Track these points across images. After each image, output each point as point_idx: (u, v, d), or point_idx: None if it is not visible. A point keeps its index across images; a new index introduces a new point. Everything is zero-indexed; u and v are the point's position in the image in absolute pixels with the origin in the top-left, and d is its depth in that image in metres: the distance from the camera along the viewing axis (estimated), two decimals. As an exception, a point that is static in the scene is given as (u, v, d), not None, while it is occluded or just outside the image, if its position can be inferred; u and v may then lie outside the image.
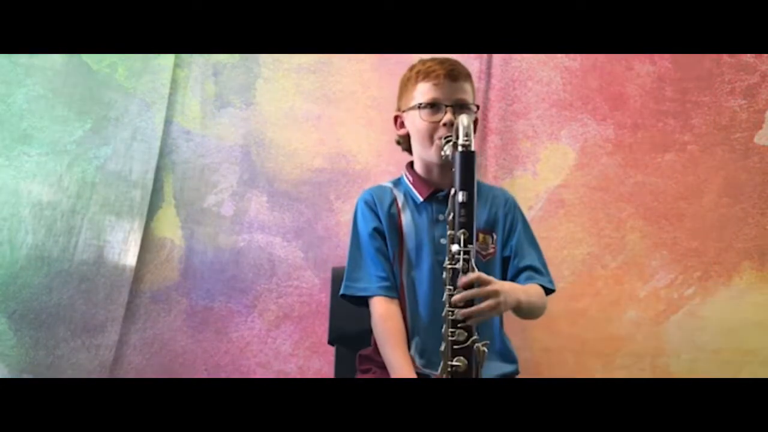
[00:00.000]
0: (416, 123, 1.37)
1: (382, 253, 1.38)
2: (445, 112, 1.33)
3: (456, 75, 1.36)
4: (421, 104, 1.36)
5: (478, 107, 1.41)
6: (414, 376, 1.25)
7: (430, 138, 1.35)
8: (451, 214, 1.18)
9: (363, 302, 1.37)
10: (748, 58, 1.93)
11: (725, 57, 1.94)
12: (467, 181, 1.17)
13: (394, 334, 1.31)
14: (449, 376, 1.15)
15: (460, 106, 1.34)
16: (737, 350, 1.85)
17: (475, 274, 1.15)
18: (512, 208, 1.44)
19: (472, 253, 1.16)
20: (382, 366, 1.32)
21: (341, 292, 1.39)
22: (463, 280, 1.15)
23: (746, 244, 1.88)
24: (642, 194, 1.94)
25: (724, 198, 1.91)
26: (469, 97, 1.38)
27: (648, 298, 1.91)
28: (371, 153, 2.03)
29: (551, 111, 2.00)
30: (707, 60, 1.95)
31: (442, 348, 1.17)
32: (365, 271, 1.37)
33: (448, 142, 1.27)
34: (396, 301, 1.35)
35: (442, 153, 1.30)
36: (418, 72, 1.39)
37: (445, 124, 1.32)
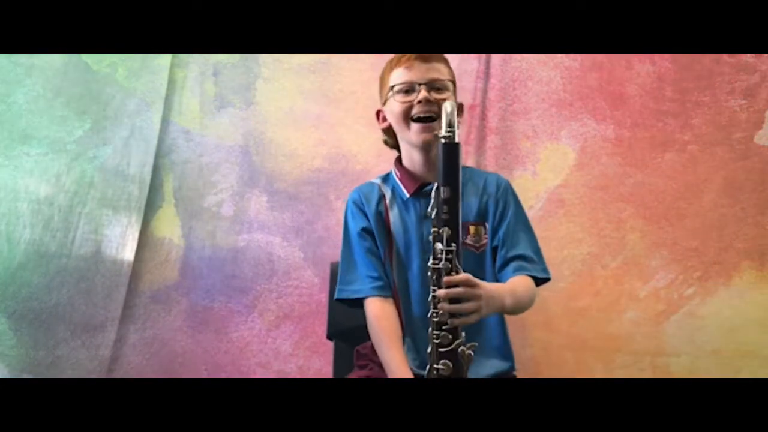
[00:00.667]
0: (393, 108, 1.36)
1: (373, 253, 1.37)
2: (419, 92, 1.32)
3: (427, 56, 1.36)
4: (394, 86, 1.35)
5: (454, 84, 1.39)
6: (410, 375, 1.25)
7: (407, 119, 1.34)
8: (435, 211, 1.14)
9: (358, 304, 1.36)
10: (748, 58, 1.93)
11: (725, 57, 1.94)
12: (451, 176, 1.13)
13: (389, 333, 1.29)
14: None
15: (437, 89, 1.34)
16: (737, 350, 1.85)
17: (462, 276, 1.12)
18: (504, 194, 1.39)
19: (458, 252, 1.13)
20: (380, 362, 1.31)
21: (336, 296, 1.38)
22: (449, 279, 1.11)
23: (746, 244, 1.88)
24: (642, 194, 1.94)
25: (724, 198, 1.91)
26: (443, 76, 1.36)
27: (648, 298, 1.91)
28: (371, 153, 2.03)
29: (551, 111, 2.00)
30: (707, 60, 1.95)
31: (429, 350, 1.15)
32: (357, 272, 1.36)
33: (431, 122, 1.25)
34: (390, 300, 1.34)
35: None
36: (390, 61, 1.40)
37: (420, 102, 1.31)
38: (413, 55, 1.35)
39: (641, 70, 1.99)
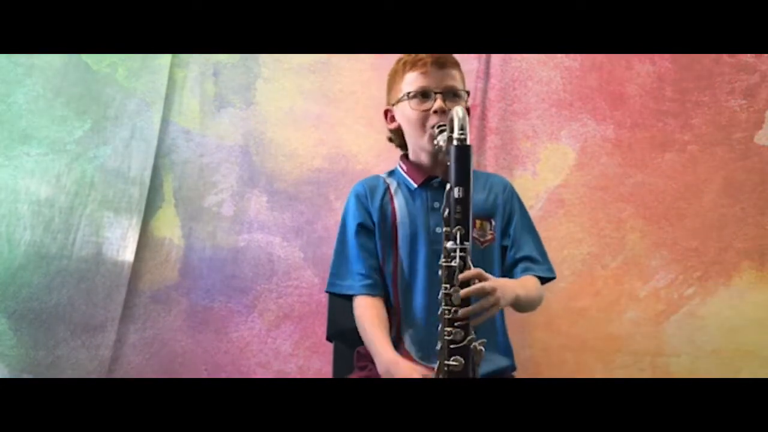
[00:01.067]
0: (407, 113, 1.36)
1: (367, 250, 1.38)
2: (435, 100, 1.32)
3: (443, 62, 1.35)
4: (409, 93, 1.35)
5: (468, 93, 1.39)
6: (394, 355, 1.25)
7: (422, 127, 1.34)
8: (447, 210, 1.17)
9: (348, 297, 1.38)
10: (748, 58, 1.93)
11: (725, 57, 1.94)
12: (463, 176, 1.15)
13: (371, 318, 1.31)
14: (446, 376, 1.14)
15: (452, 94, 1.34)
16: (737, 350, 1.85)
17: (474, 271, 1.14)
18: (510, 195, 1.42)
19: (469, 251, 1.14)
20: None
21: (326, 288, 1.41)
22: (464, 276, 1.13)
23: (746, 244, 1.88)
24: (642, 194, 1.94)
25: (724, 198, 1.91)
26: (458, 84, 1.36)
27: (648, 298, 1.91)
28: (371, 153, 2.03)
29: (551, 111, 2.00)
30: (707, 60, 1.95)
31: (439, 347, 1.15)
32: (349, 268, 1.38)
33: (441, 131, 1.26)
34: (379, 299, 1.36)
35: (435, 143, 1.29)
36: (404, 63, 1.38)
37: (435, 112, 1.31)
38: (428, 59, 1.34)
39: (641, 70, 1.99)
